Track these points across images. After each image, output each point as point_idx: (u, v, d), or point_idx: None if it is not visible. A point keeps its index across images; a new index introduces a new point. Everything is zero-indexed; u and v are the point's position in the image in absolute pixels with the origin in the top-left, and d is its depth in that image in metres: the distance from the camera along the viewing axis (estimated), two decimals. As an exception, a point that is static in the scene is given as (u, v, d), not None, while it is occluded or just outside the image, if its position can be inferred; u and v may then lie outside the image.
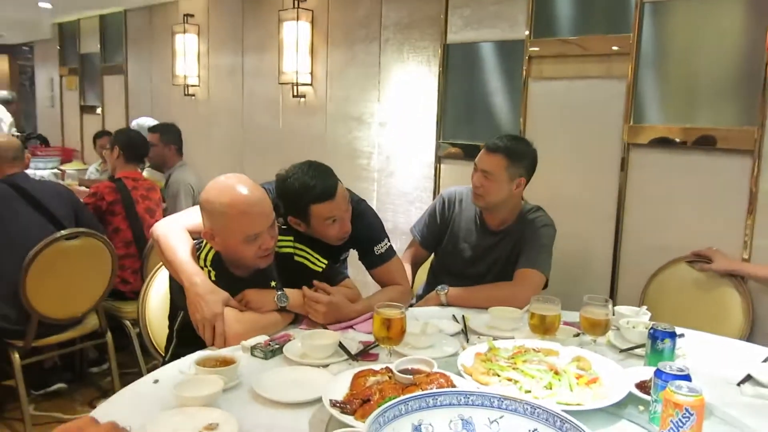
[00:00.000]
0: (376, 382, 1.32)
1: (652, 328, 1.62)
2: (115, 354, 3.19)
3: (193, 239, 1.95)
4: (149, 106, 6.07)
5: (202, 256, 1.89)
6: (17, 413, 2.94)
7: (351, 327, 1.88)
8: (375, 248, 2.16)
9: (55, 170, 6.35)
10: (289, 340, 1.71)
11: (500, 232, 2.43)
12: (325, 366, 1.57)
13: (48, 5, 6.23)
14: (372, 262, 2.18)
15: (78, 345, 3.26)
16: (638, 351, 1.76)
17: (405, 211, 3.90)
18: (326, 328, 1.84)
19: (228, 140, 5.21)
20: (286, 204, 2.02)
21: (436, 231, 2.58)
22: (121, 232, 3.35)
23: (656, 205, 2.85)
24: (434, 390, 1.17)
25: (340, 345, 1.65)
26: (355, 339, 1.75)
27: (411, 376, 1.33)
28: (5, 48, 9.07)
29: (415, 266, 2.64)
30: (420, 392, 1.13)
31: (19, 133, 7.29)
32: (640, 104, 2.89)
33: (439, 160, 3.68)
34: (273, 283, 1.93)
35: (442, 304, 2.20)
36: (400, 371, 1.37)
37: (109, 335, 3.15)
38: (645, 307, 2.09)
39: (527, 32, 3.19)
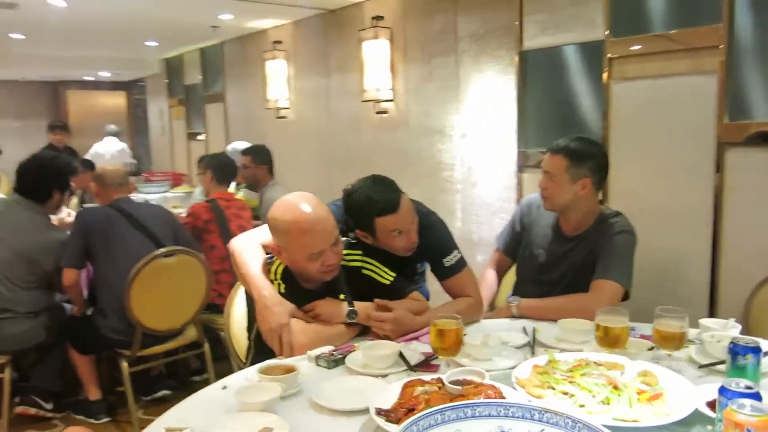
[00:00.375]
0: (424, 391, 1.33)
1: (732, 342, 1.51)
2: (214, 363, 3.38)
3: (267, 254, 2.05)
4: (247, 130, 6.39)
5: (273, 269, 1.98)
6: (127, 416, 3.18)
7: (416, 338, 1.90)
8: (444, 260, 2.16)
9: (166, 194, 6.84)
10: (353, 351, 1.75)
11: (575, 238, 2.36)
12: (384, 376, 1.60)
13: (154, 43, 6.74)
14: (442, 273, 2.19)
15: (180, 355, 3.49)
16: (720, 367, 1.63)
17: (489, 221, 3.87)
18: (390, 339, 1.87)
19: (316, 158, 5.39)
20: (353, 218, 2.08)
21: (517, 238, 2.57)
22: (216, 249, 3.55)
23: (760, 208, 2.65)
24: (474, 400, 1.16)
25: (401, 356, 1.68)
26: (417, 350, 1.76)
27: (460, 387, 1.33)
28: (121, 85, 9.89)
29: (500, 274, 2.65)
30: (459, 402, 1.13)
31: (134, 161, 7.95)
32: (736, 99, 2.71)
33: (520, 168, 3.63)
34: (342, 296, 1.99)
35: (513, 316, 2.17)
36: (451, 382, 1.37)
37: (206, 346, 3.35)
38: (733, 319, 1.94)
39: (606, 32, 3.10)
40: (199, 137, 7.42)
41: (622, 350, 1.67)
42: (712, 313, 2.76)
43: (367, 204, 2.01)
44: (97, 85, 9.75)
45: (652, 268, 2.75)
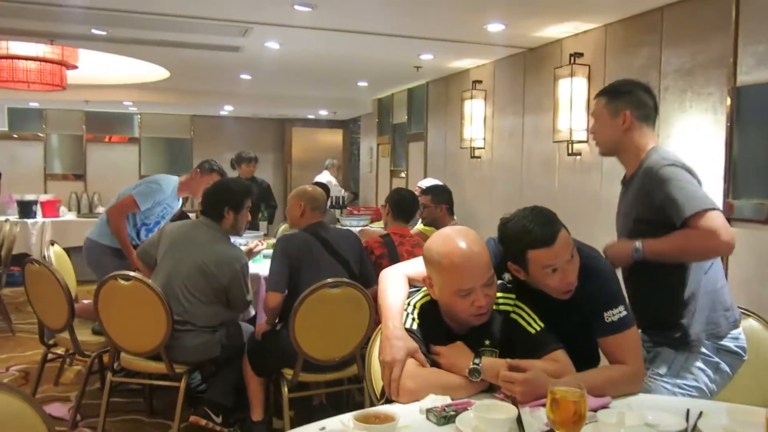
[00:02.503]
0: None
1: None
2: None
3: (415, 287, 2.00)
4: (443, 168, 6.46)
5: (413, 301, 1.93)
6: (288, 443, 3.28)
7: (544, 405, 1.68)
8: (606, 314, 1.87)
9: (367, 227, 7.15)
10: (468, 409, 1.60)
11: (624, 185, 2.28)
12: (493, 444, 1.43)
13: (364, 83, 7.16)
14: (600, 329, 1.89)
15: (344, 386, 3.54)
16: None
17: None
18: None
19: (507, 199, 5.23)
20: (506, 248, 1.92)
21: None
22: (385, 284, 3.57)
23: None
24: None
25: (519, 422, 1.49)
26: (542, 418, 1.55)
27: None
28: (339, 123, 10.67)
29: None
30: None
31: (346, 193, 8.45)
32: None
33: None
34: (487, 342, 1.87)
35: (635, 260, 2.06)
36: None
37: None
38: None
39: (844, 64, 2.57)
40: (401, 174, 7.67)
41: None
42: None
43: (521, 234, 1.84)
44: (318, 123, 10.63)
45: None
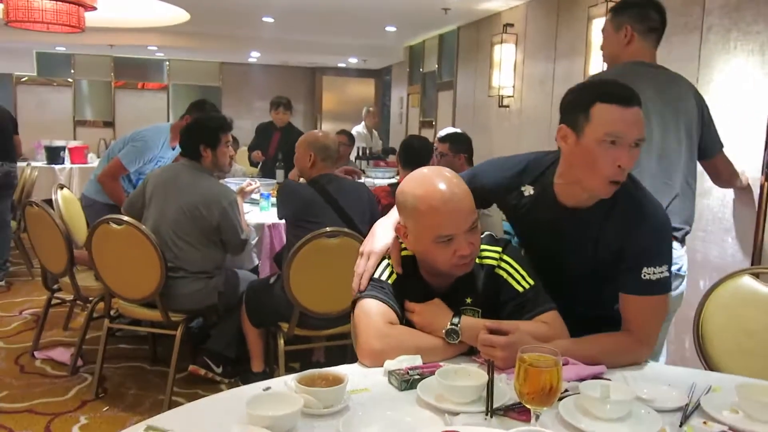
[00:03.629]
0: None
1: None
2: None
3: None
4: (471, 119, 6.16)
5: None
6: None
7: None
8: (645, 269, 1.56)
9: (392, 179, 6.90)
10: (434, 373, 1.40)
11: None
12: (455, 414, 1.23)
13: (393, 28, 6.83)
14: (630, 284, 1.59)
15: (346, 340, 3.39)
16: None
17: (719, 240, 3.09)
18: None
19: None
20: (567, 103, 1.59)
21: None
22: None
23: None
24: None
25: (489, 390, 1.28)
26: (519, 387, 1.34)
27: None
28: (371, 73, 10.37)
29: None
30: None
31: (380, 143, 8.11)
32: None
33: (767, 175, 2.80)
34: (468, 300, 1.66)
35: None
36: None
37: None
38: None
39: None
40: (431, 125, 7.38)
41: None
42: None
43: (595, 84, 1.67)
44: (349, 72, 10.34)
45: None
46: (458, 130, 4.69)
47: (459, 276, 1.63)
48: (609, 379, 1.44)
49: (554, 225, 1.67)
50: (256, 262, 3.71)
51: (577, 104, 1.54)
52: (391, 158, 6.90)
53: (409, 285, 1.67)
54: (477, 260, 1.65)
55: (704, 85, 3.17)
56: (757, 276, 2.36)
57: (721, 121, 3.09)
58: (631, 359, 1.58)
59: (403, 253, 1.69)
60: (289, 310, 3.00)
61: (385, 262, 1.71)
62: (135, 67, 9.45)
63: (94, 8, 5.82)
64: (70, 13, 5.51)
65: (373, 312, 1.59)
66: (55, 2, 5.36)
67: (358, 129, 7.71)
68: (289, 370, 3.10)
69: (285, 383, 1.32)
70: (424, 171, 1.64)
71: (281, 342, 3.06)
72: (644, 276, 1.55)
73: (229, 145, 3.28)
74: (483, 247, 1.67)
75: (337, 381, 1.26)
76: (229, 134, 3.29)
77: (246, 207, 4.17)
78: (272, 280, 3.20)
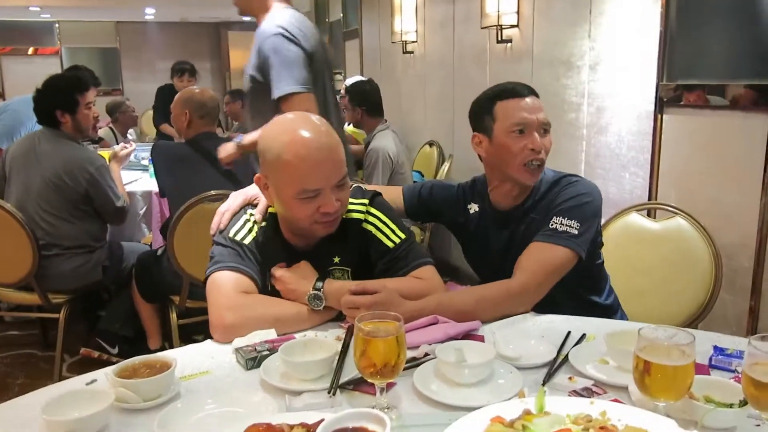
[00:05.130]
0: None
1: None
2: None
3: None
4: (378, 68, 5.95)
5: (251, 210, 1.58)
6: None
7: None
8: (553, 218, 1.58)
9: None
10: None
11: None
12: (298, 394, 1.09)
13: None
14: (539, 233, 1.61)
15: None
16: None
17: (617, 177, 3.06)
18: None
19: (440, 98, 4.79)
20: (473, 112, 1.72)
21: None
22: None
23: None
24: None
25: (340, 362, 1.15)
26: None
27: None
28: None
29: None
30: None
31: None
32: None
33: (659, 108, 2.76)
34: (336, 259, 1.53)
35: None
36: (324, 433, 0.83)
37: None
38: None
39: None
40: (338, 76, 7.12)
41: (676, 399, 0.98)
42: None
43: (490, 89, 1.69)
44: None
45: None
46: (363, 79, 4.51)
47: (323, 235, 1.49)
48: (482, 336, 1.35)
49: (501, 230, 1.73)
50: (147, 233, 3.47)
51: (481, 110, 1.68)
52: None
53: (272, 246, 1.52)
54: (344, 216, 1.51)
55: (597, 13, 3.08)
56: (648, 213, 2.34)
57: (612, 54, 3.03)
58: (508, 309, 1.49)
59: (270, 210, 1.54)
60: (178, 282, 2.80)
61: (244, 218, 1.55)
62: (20, 31, 8.70)
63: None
64: None
65: (224, 283, 1.43)
66: None
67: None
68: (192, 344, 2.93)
69: (105, 374, 1.14)
70: (288, 116, 1.47)
71: (173, 316, 2.88)
72: (551, 225, 1.58)
73: (92, 106, 2.97)
74: (349, 200, 1.53)
75: (164, 368, 1.10)
76: (92, 92, 2.97)
77: (135, 174, 3.90)
78: (160, 251, 2.98)
